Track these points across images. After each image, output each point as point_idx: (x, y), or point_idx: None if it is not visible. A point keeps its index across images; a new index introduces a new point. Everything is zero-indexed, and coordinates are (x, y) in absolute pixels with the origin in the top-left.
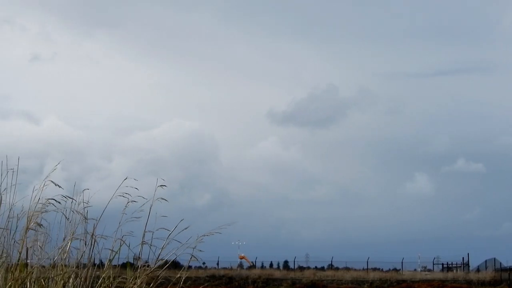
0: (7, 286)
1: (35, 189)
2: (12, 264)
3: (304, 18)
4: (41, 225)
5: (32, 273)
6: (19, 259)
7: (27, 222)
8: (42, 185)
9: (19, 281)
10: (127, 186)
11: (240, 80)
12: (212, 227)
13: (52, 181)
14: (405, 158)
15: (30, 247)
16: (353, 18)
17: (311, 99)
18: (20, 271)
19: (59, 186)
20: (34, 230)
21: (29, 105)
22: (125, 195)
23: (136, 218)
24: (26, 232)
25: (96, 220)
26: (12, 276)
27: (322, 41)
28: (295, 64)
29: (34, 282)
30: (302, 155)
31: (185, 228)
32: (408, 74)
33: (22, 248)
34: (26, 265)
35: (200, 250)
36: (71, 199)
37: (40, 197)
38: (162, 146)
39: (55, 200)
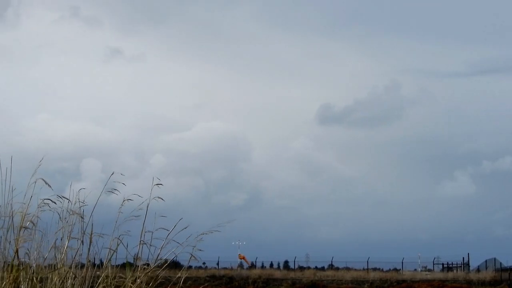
0: (2, 286)
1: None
2: (8, 264)
3: (363, 15)
4: (34, 224)
5: (28, 272)
6: (14, 258)
7: (21, 221)
8: (34, 183)
9: (13, 281)
10: (114, 181)
11: (289, 80)
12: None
13: (43, 180)
14: (446, 159)
15: (21, 246)
16: (413, 16)
17: (368, 99)
18: (16, 270)
19: (49, 186)
20: (30, 229)
21: (62, 105)
22: (113, 190)
23: (135, 217)
24: (19, 231)
25: (91, 218)
26: (8, 275)
27: (376, 40)
28: (349, 64)
29: (30, 282)
30: (342, 156)
31: (185, 228)
32: (456, 73)
33: (16, 247)
34: (20, 264)
35: (200, 250)
36: (66, 199)
37: (31, 196)
38: (203, 147)
39: (51, 200)
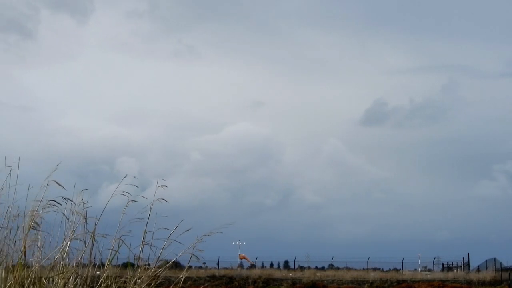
0: (7, 286)
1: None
2: (12, 264)
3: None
4: (39, 225)
5: (32, 273)
6: (19, 259)
7: (28, 222)
8: (45, 185)
9: (19, 281)
10: (126, 184)
11: (336, 80)
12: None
13: (55, 181)
14: (483, 160)
15: (28, 246)
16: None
17: (417, 100)
18: (20, 271)
19: (62, 187)
20: (35, 229)
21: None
22: (124, 193)
23: (139, 219)
24: (27, 232)
25: (96, 219)
26: (12, 276)
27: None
28: (396, 65)
29: (34, 282)
30: (376, 157)
31: (187, 230)
32: (503, 72)
33: (23, 247)
34: (25, 265)
35: (200, 250)
36: (71, 201)
37: (42, 197)
38: (239, 146)
39: (56, 202)
